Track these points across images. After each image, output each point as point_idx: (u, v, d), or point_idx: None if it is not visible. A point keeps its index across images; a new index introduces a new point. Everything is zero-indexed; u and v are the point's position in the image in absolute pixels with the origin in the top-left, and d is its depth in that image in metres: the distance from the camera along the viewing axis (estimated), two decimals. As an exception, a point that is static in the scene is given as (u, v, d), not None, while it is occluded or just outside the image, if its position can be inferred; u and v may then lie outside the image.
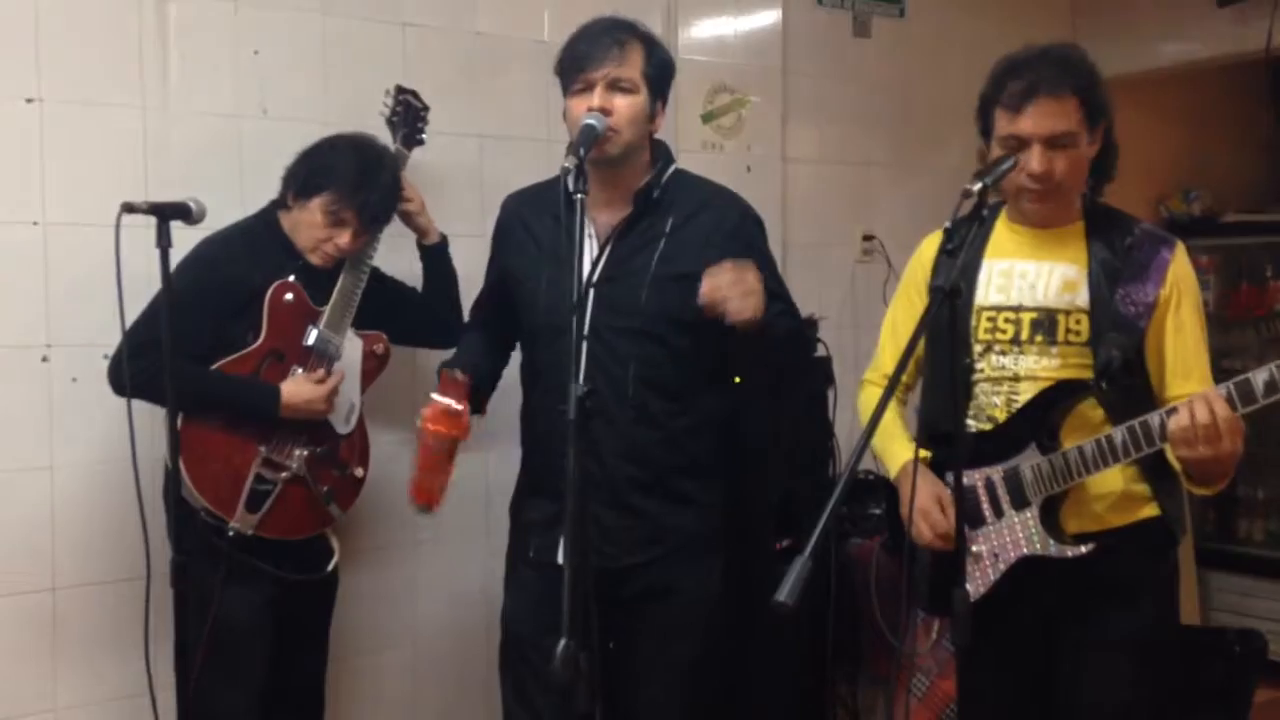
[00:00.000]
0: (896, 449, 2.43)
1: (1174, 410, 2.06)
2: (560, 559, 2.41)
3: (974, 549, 2.31)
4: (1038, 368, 2.28)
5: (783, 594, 1.57)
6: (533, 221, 2.56)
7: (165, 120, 2.88)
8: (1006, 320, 2.31)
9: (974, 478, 2.31)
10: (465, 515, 3.25)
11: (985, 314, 2.33)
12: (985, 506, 2.31)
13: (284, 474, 2.63)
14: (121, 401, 2.38)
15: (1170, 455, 2.13)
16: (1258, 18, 4.05)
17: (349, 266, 2.72)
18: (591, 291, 2.37)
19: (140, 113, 2.84)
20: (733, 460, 2.60)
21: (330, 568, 2.76)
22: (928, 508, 2.29)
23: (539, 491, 2.53)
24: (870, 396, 2.61)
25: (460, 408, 2.41)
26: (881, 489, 3.66)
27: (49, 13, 2.75)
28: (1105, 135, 2.29)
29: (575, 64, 2.40)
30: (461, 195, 3.19)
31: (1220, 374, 2.22)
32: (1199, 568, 4.62)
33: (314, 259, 2.66)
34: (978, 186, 2.05)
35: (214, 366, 2.57)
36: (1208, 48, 4.30)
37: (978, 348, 2.33)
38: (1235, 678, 3.46)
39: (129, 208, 2.26)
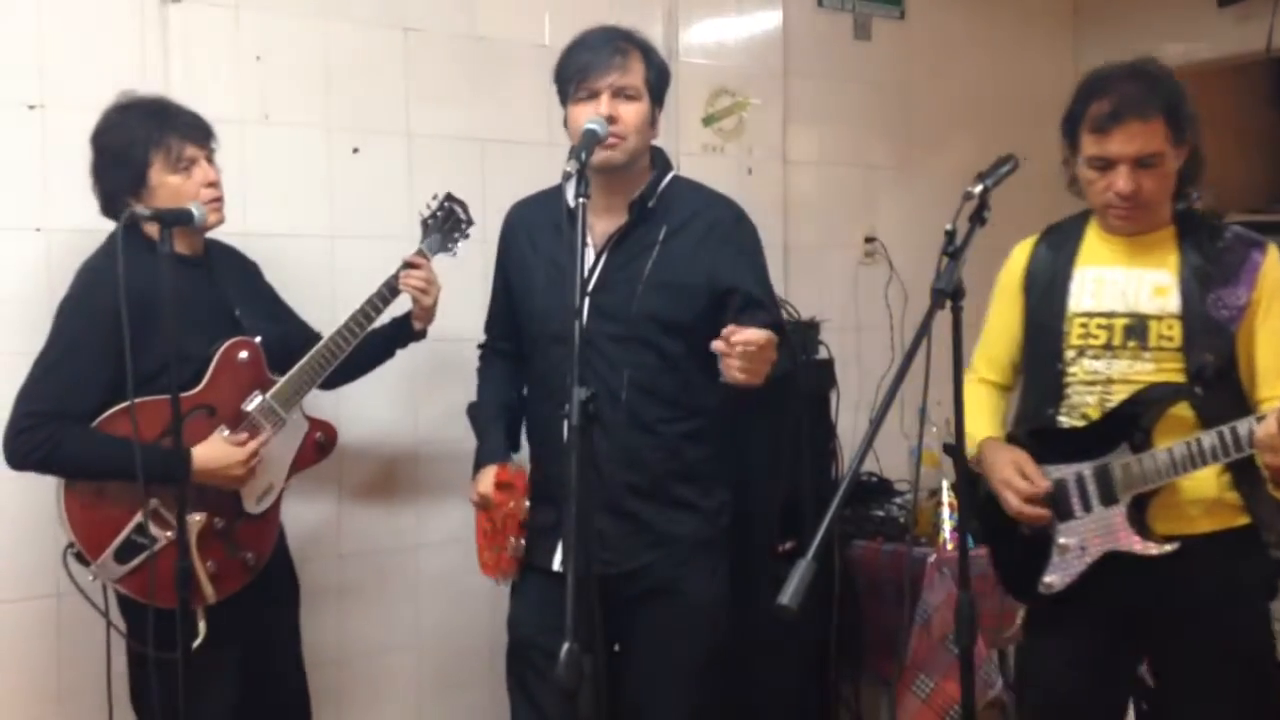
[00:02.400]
0: (976, 427, 2.38)
1: (1264, 417, 2.08)
2: (557, 565, 2.43)
3: (1061, 540, 2.33)
4: (1131, 372, 2.29)
5: (785, 597, 1.57)
6: (535, 230, 2.56)
7: (167, 126, 2.88)
8: (1099, 326, 2.32)
9: (1065, 472, 2.33)
10: (467, 518, 3.25)
11: (1078, 320, 2.34)
12: (1074, 500, 2.33)
13: (169, 533, 2.35)
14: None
15: (1259, 460, 2.14)
16: (1259, 17, 4.06)
17: (330, 335, 2.58)
18: (587, 299, 2.37)
19: (142, 119, 2.84)
20: (735, 465, 2.60)
21: (194, 646, 2.34)
22: (1008, 477, 2.32)
23: (541, 497, 2.53)
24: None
25: (515, 478, 2.50)
26: (885, 491, 3.68)
27: (51, 19, 2.76)
28: (1191, 143, 2.28)
29: (578, 72, 2.40)
30: (462, 199, 3.19)
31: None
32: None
33: (214, 218, 2.47)
34: (978, 189, 2.05)
35: (143, 399, 2.27)
36: (1209, 48, 4.30)
37: (1070, 353, 2.35)
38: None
39: (132, 214, 2.26)
